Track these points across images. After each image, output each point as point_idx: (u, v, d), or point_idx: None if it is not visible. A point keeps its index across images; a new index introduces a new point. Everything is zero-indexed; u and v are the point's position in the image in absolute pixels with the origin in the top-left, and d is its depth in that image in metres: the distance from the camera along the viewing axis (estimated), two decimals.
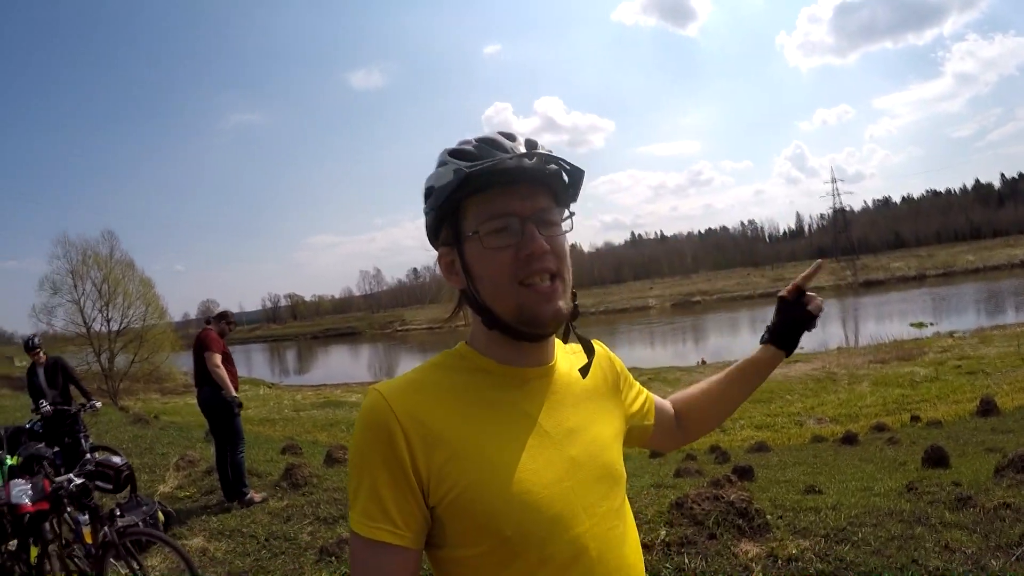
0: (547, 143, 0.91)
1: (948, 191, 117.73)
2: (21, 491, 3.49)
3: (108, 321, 27.61)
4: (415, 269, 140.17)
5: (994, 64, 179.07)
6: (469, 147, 0.88)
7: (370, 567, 0.80)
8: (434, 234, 0.94)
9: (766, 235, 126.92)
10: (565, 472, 0.87)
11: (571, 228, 0.92)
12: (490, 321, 0.88)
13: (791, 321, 1.17)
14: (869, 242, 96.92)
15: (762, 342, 1.19)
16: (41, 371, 5.96)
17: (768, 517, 3.87)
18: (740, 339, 35.38)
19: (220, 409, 5.56)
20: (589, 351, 0.96)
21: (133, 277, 29.04)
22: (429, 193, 0.90)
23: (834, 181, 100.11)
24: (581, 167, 0.91)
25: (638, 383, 1.15)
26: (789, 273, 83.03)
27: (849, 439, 7.83)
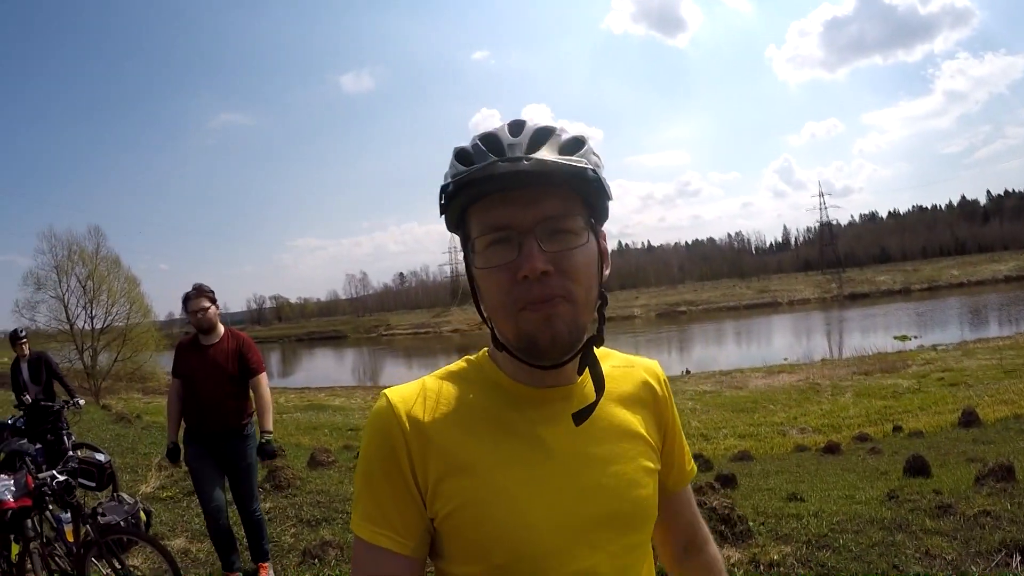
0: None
1: (935, 207, 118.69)
2: (4, 487, 3.42)
3: (92, 318, 27.13)
4: (401, 274, 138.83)
5: (984, 82, 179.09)
6: (468, 147, 0.77)
7: (370, 571, 0.78)
8: (454, 228, 0.84)
9: (752, 247, 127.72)
10: (575, 504, 0.79)
11: (587, 240, 0.76)
12: (495, 340, 0.81)
13: None
14: (855, 256, 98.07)
15: None
16: (25, 366, 5.86)
17: (750, 524, 3.90)
18: (725, 349, 35.66)
19: None
20: (599, 388, 0.81)
21: (119, 275, 28.42)
22: (442, 188, 0.79)
23: (821, 195, 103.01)
24: (583, 164, 0.75)
25: (687, 444, 0.99)
26: (774, 285, 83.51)
27: (831, 449, 7.90)
